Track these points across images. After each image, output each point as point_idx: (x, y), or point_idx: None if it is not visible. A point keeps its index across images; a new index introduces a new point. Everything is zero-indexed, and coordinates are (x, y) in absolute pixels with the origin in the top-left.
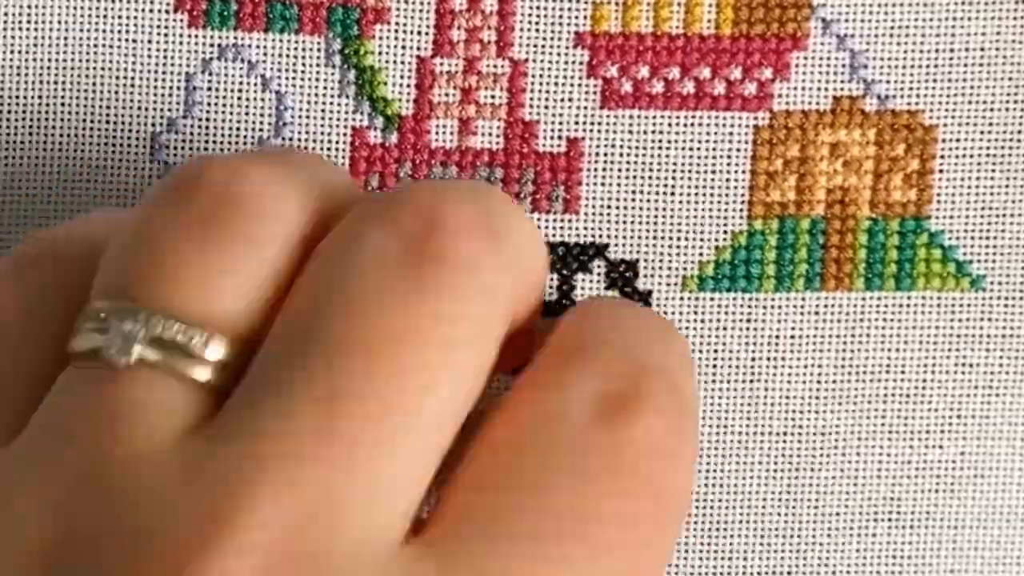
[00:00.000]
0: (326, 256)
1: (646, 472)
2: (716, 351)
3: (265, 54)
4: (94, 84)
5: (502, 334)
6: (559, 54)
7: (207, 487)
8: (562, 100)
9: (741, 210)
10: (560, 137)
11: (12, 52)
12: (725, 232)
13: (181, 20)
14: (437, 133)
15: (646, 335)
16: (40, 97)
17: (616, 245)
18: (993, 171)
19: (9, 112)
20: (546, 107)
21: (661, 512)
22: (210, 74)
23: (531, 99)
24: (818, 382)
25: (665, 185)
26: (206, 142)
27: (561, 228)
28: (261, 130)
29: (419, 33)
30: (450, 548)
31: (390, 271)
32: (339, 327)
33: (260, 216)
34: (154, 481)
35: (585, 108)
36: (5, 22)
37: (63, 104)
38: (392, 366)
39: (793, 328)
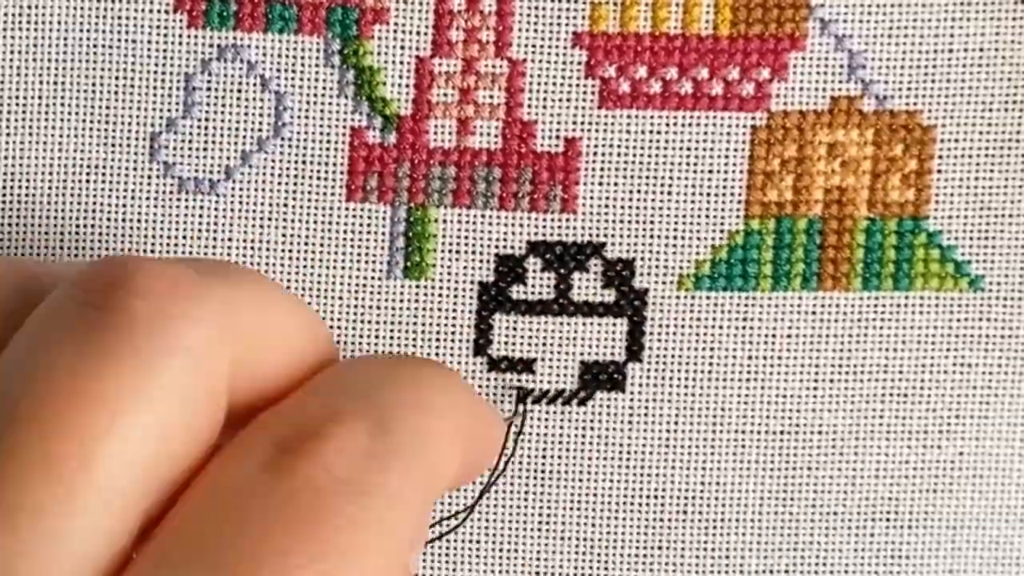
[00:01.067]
0: (19, 331)
1: (319, 509)
2: (712, 350)
3: (264, 54)
4: (94, 84)
5: (213, 393)
6: (557, 54)
7: None
8: (560, 100)
9: (738, 210)
10: (558, 137)
11: (12, 52)
12: (722, 231)
13: (180, 20)
14: (436, 133)
15: (362, 378)
16: (40, 97)
17: (613, 244)
18: (991, 171)
19: (9, 112)
20: (544, 107)
21: (342, 546)
22: (209, 74)
23: (529, 99)
24: (815, 382)
25: (662, 185)
26: (205, 142)
27: (558, 227)
28: (260, 130)
29: (418, 33)
30: None
31: (62, 328)
32: (4, 389)
33: None
34: None
35: (583, 108)
36: (5, 22)
37: (63, 104)
38: (52, 429)
39: (790, 328)
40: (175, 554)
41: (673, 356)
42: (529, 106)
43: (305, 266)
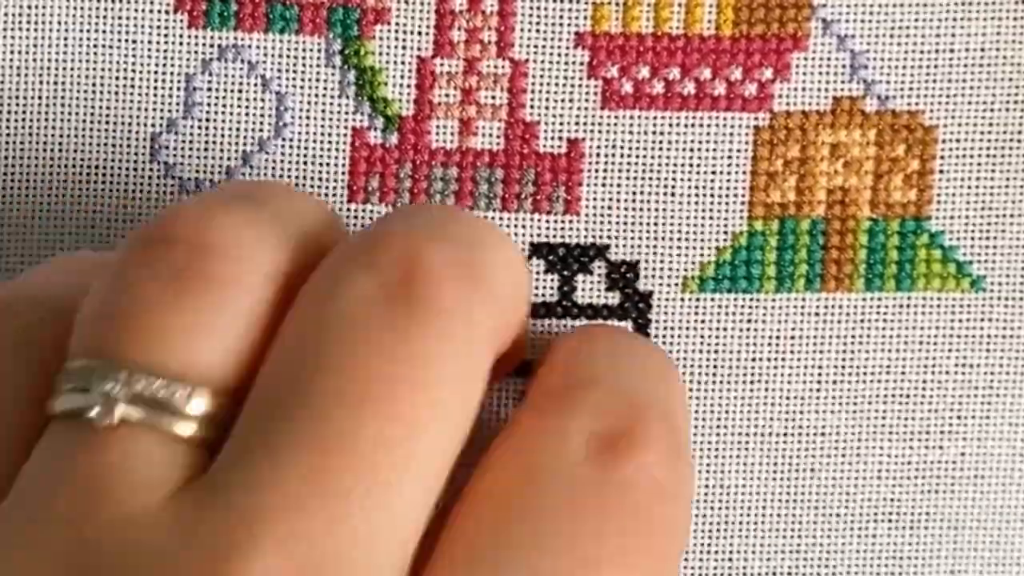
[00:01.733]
0: (307, 304)
1: (643, 512)
2: (716, 352)
3: (265, 55)
4: (94, 84)
5: (488, 367)
6: (559, 54)
7: (202, 547)
8: (562, 101)
9: (741, 211)
10: (560, 138)
11: (12, 52)
12: (725, 233)
13: (181, 20)
14: (437, 134)
15: (643, 372)
16: (40, 97)
17: (617, 246)
18: (993, 171)
19: (9, 112)
20: (546, 108)
21: (659, 551)
22: (210, 74)
23: (532, 100)
24: (818, 383)
25: (665, 186)
26: (206, 143)
27: (561, 229)
28: (261, 131)
29: (419, 33)
30: None
31: (372, 320)
32: (323, 378)
33: (236, 265)
34: (146, 544)
35: (585, 109)
36: (5, 22)
37: (63, 104)
38: (378, 415)
39: (793, 329)
40: (509, 540)
41: (677, 358)
42: (531, 107)
43: None
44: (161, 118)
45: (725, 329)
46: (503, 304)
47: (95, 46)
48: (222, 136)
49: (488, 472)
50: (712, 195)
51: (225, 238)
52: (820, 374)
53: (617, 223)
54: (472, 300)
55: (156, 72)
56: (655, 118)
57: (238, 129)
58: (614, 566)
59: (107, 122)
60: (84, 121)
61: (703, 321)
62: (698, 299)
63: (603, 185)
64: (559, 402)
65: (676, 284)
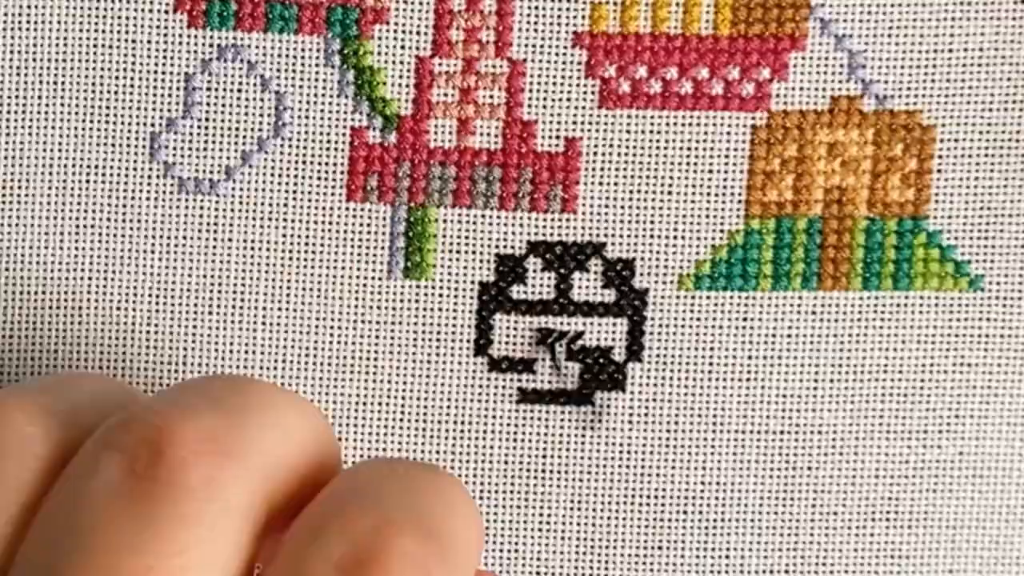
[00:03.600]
0: (57, 492)
1: None
2: (712, 350)
3: (264, 54)
4: (94, 84)
5: (255, 534)
6: (557, 54)
7: None
8: (560, 100)
9: (738, 209)
10: (558, 137)
11: (12, 52)
12: (722, 231)
13: (181, 20)
14: (436, 133)
15: (395, 486)
16: (40, 97)
17: (613, 244)
18: (991, 171)
19: (9, 112)
20: (544, 107)
21: None
22: (209, 74)
23: (529, 99)
24: (815, 381)
25: (662, 184)
26: (205, 142)
27: (558, 227)
28: (260, 130)
29: (418, 33)
30: None
31: (116, 503)
32: (60, 569)
33: (9, 457)
34: None
35: (583, 108)
36: (5, 22)
37: (63, 104)
38: None
39: (790, 327)
40: None
41: (673, 356)
42: (529, 106)
43: (305, 266)
44: (161, 117)
45: (721, 327)
46: (274, 464)
47: (95, 46)
48: (221, 135)
49: None
50: (709, 194)
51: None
52: (817, 372)
53: (614, 221)
54: (226, 475)
55: (156, 72)
56: (653, 117)
57: (237, 128)
58: None
59: (107, 122)
60: (84, 121)
61: (699, 319)
62: (694, 297)
63: (600, 184)
64: (308, 532)
65: (672, 282)
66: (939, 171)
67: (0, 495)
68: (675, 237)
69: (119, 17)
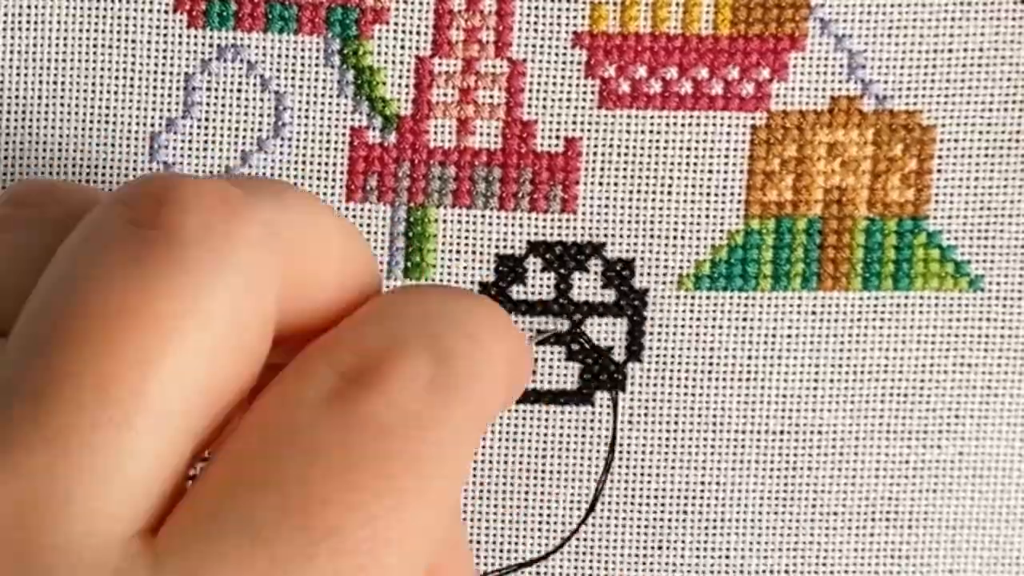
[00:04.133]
0: (66, 240)
1: (382, 445)
2: (712, 349)
3: (264, 54)
4: (94, 84)
5: (263, 312)
6: (557, 54)
7: None
8: (560, 100)
9: (738, 209)
10: (558, 137)
11: (12, 52)
12: (722, 231)
13: (180, 20)
14: (436, 133)
15: (418, 308)
16: (40, 97)
17: (613, 244)
18: (991, 171)
19: (9, 112)
20: (544, 107)
21: (400, 484)
22: (209, 74)
23: (529, 99)
24: (815, 381)
25: (662, 184)
26: (205, 142)
27: (558, 227)
28: (260, 130)
29: (418, 33)
30: (171, 545)
31: (112, 247)
32: (56, 309)
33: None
34: None
35: (583, 108)
36: (5, 22)
37: (63, 104)
38: (107, 348)
39: (790, 327)
40: (239, 484)
41: (673, 356)
42: (529, 106)
43: None
44: (160, 117)
45: (721, 327)
46: (297, 243)
47: (95, 46)
48: (221, 135)
49: (241, 423)
50: (709, 194)
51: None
52: (817, 372)
53: (613, 221)
54: (232, 232)
55: (156, 72)
56: (652, 117)
57: (237, 128)
58: (341, 504)
59: (107, 122)
60: (84, 121)
61: (699, 319)
62: (694, 297)
63: (600, 184)
64: (316, 348)
65: (672, 282)
66: (939, 171)
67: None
68: (675, 237)
69: (119, 17)
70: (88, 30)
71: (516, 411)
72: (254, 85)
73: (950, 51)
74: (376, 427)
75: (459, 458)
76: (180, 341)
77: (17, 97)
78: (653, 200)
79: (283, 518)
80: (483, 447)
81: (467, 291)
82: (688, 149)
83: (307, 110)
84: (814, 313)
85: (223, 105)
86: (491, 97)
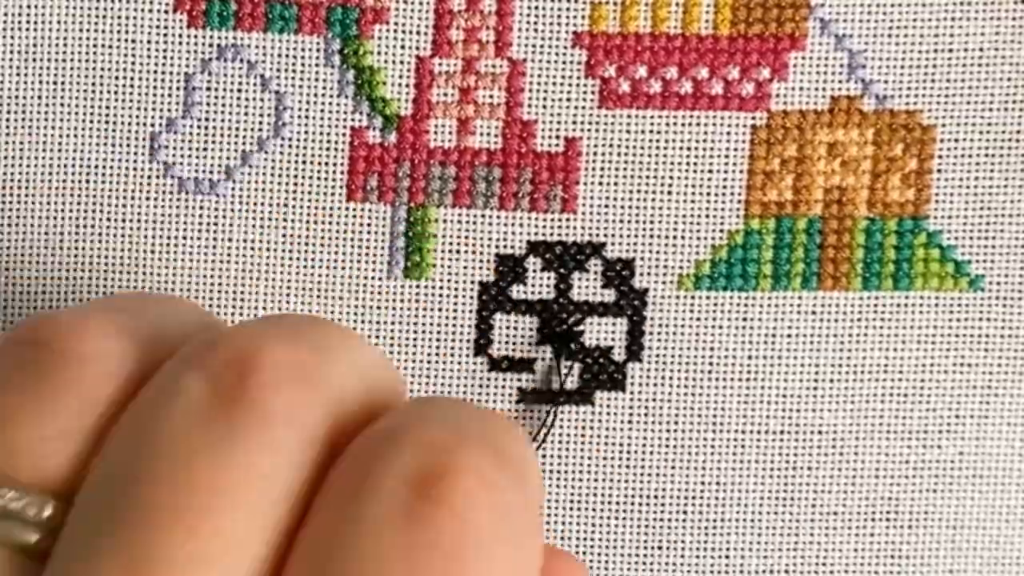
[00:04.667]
0: (137, 407)
1: (453, 559)
2: (712, 349)
3: (264, 54)
4: (94, 84)
5: (321, 465)
6: (557, 54)
7: None
8: (560, 100)
9: (738, 209)
10: (558, 136)
11: (12, 52)
12: (722, 231)
13: (180, 20)
14: (436, 133)
15: (467, 411)
16: (40, 97)
17: (613, 244)
18: (992, 171)
19: (9, 112)
20: (544, 107)
21: None
22: (209, 74)
23: (529, 99)
24: (815, 381)
25: (662, 184)
26: (205, 142)
27: (558, 227)
28: (260, 130)
29: (418, 33)
30: None
31: (197, 423)
32: (144, 489)
33: (87, 372)
34: None
35: (583, 108)
36: (5, 22)
37: (63, 104)
38: (192, 528)
39: (790, 327)
40: None
41: (673, 356)
42: (529, 106)
43: (305, 266)
44: (160, 117)
45: (721, 327)
46: (347, 392)
47: (95, 46)
48: (221, 135)
49: (303, 534)
50: (709, 194)
51: (80, 347)
52: (817, 372)
53: (613, 221)
54: (304, 403)
55: (156, 72)
56: (652, 117)
57: (237, 128)
58: None
59: (107, 122)
60: (84, 121)
61: (699, 319)
62: (694, 297)
63: (600, 183)
64: (370, 455)
65: (672, 282)
66: (939, 171)
67: (76, 409)
68: (675, 237)
69: (119, 17)
70: (88, 30)
71: (516, 411)
72: (254, 85)
73: (950, 51)
74: (449, 542)
75: (531, 556)
76: (263, 520)
77: (17, 97)
78: (653, 200)
79: None
80: None
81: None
82: (688, 149)
83: (307, 110)
84: (814, 313)
85: (223, 105)
86: (491, 97)
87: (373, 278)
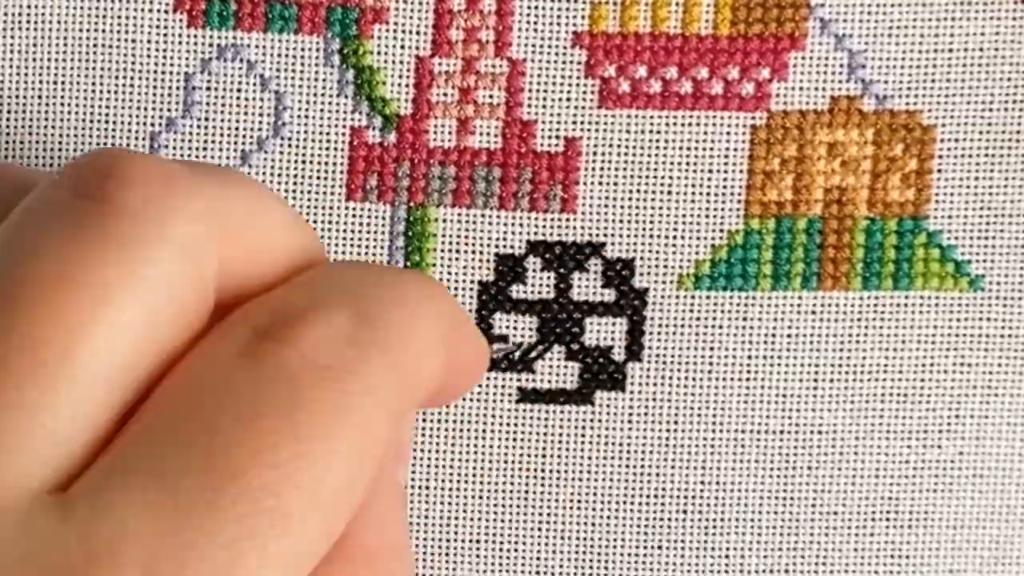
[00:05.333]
0: (13, 211)
1: (292, 395)
2: (712, 349)
3: (264, 54)
4: (94, 84)
5: (201, 283)
6: (557, 54)
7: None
8: (560, 100)
9: (738, 209)
10: (558, 136)
11: (12, 52)
12: (722, 231)
13: (180, 20)
14: (435, 132)
15: (347, 274)
16: (40, 97)
17: (613, 244)
18: (992, 171)
19: (9, 112)
20: (544, 107)
21: (307, 433)
22: (209, 74)
23: (529, 99)
24: (815, 381)
25: (662, 184)
26: (205, 142)
27: (558, 227)
28: (260, 130)
29: (418, 33)
30: (80, 494)
31: (54, 217)
32: (15, 287)
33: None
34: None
35: (583, 108)
36: (5, 22)
37: (63, 104)
38: (37, 314)
39: (790, 327)
40: (150, 435)
41: (673, 355)
42: (529, 106)
43: None
44: (160, 117)
45: (721, 327)
46: (238, 222)
47: (95, 46)
48: (221, 135)
49: (168, 374)
50: (708, 194)
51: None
52: (817, 372)
53: (613, 221)
54: (172, 207)
55: (155, 71)
56: (652, 117)
57: (237, 128)
58: (246, 448)
59: (107, 121)
60: (84, 120)
61: (699, 319)
62: (694, 296)
63: (600, 183)
64: (242, 308)
65: (672, 281)
66: (939, 171)
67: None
68: (675, 237)
69: (119, 17)
70: (88, 30)
71: (516, 411)
72: (254, 85)
73: (950, 51)
74: (287, 377)
75: (375, 415)
76: (110, 310)
77: (17, 97)
78: (653, 200)
79: (188, 464)
80: (483, 447)
81: (414, 270)
82: (688, 149)
83: (307, 110)
84: (814, 313)
85: (223, 105)
86: (491, 97)
87: None
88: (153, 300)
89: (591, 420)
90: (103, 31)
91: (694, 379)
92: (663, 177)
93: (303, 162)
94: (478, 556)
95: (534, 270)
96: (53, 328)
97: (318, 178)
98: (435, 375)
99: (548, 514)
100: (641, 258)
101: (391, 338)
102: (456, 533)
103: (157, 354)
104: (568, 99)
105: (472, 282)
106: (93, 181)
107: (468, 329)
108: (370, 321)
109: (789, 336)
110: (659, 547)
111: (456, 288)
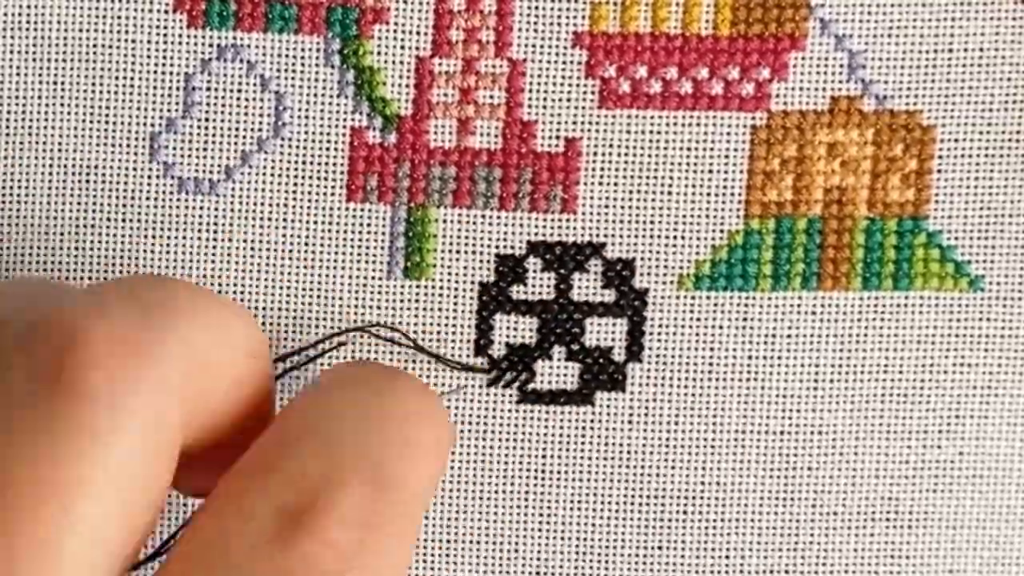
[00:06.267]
0: None
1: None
2: (712, 350)
3: (264, 54)
4: (94, 84)
5: (169, 442)
6: (557, 54)
7: None
8: (560, 100)
9: (738, 209)
10: (558, 137)
11: (12, 52)
12: (722, 231)
13: (180, 20)
14: (436, 133)
15: (351, 424)
16: (40, 97)
17: (613, 244)
18: (992, 171)
19: (9, 112)
20: (544, 107)
21: None
22: (209, 74)
23: (529, 99)
24: (815, 381)
25: (662, 184)
26: (205, 142)
27: (558, 228)
28: (260, 130)
29: (418, 33)
30: None
31: (16, 411)
32: None
33: None
34: None
35: (583, 108)
36: (5, 22)
37: (63, 104)
38: (20, 518)
39: (790, 327)
40: None
41: (673, 356)
42: (529, 106)
43: (305, 266)
44: (160, 118)
45: (721, 327)
46: (188, 375)
47: (95, 46)
48: (221, 135)
49: (185, 546)
50: (709, 194)
51: None
52: (817, 373)
53: (614, 221)
54: (136, 380)
55: (155, 72)
56: (652, 117)
57: (237, 128)
58: None
59: (107, 122)
60: (84, 121)
61: (699, 319)
62: (694, 297)
63: (600, 184)
64: (249, 480)
65: (672, 282)
66: (939, 171)
67: None
68: (675, 237)
69: (119, 17)
70: (88, 30)
71: (516, 411)
72: (254, 85)
73: (950, 51)
74: (317, 571)
75: (401, 565)
76: (89, 505)
77: (17, 97)
78: (653, 200)
79: None
80: (483, 447)
81: (392, 371)
82: (688, 149)
83: (307, 110)
84: (814, 313)
85: (223, 105)
86: (491, 97)
87: (373, 278)
88: (127, 478)
89: (591, 421)
90: (103, 31)
91: (694, 380)
92: (663, 177)
93: (303, 162)
94: (478, 556)
95: (534, 271)
96: (32, 532)
97: (318, 179)
98: (434, 482)
99: (548, 514)
100: (641, 258)
101: (407, 491)
102: (456, 533)
103: (136, 518)
104: (568, 99)
105: (472, 283)
106: (53, 361)
107: (451, 429)
108: (387, 487)
109: (789, 336)
110: (659, 547)
111: (456, 289)
